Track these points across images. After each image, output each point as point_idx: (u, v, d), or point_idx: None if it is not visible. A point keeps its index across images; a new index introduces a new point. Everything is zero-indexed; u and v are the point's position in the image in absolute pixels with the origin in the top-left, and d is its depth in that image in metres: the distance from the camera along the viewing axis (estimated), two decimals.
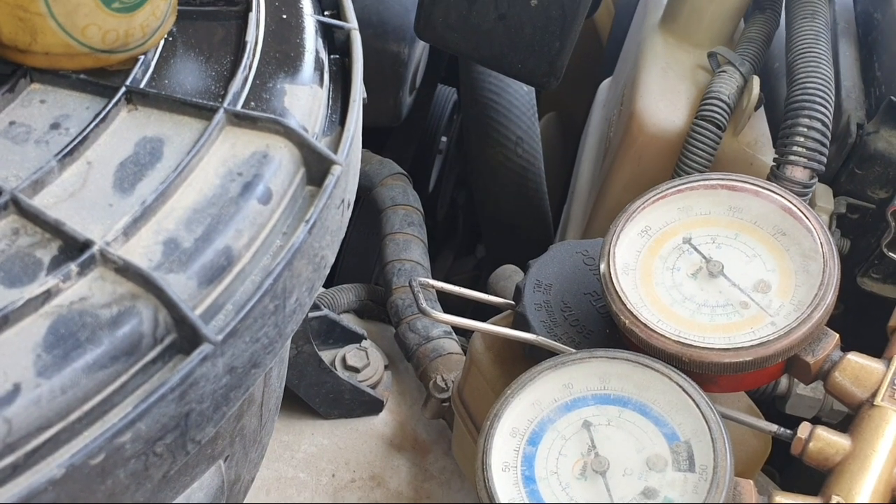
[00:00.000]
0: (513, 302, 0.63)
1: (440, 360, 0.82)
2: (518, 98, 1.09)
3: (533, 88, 1.12)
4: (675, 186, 0.57)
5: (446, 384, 0.79)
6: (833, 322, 0.54)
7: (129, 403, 0.35)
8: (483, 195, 1.14)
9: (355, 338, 0.86)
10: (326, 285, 0.94)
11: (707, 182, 0.57)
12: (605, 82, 1.08)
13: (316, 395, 0.80)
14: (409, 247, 0.91)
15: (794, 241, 0.55)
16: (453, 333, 0.86)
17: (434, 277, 0.81)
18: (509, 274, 0.87)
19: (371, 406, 0.83)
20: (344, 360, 0.84)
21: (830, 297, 0.52)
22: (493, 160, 1.09)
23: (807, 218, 0.54)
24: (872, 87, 0.79)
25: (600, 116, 1.04)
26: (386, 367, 0.86)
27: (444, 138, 1.33)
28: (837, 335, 0.54)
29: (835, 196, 0.74)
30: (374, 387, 0.84)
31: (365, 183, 0.94)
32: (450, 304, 0.81)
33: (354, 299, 0.94)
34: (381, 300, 0.93)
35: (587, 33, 1.27)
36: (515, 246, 1.13)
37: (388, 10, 1.04)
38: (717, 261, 0.55)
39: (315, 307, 0.83)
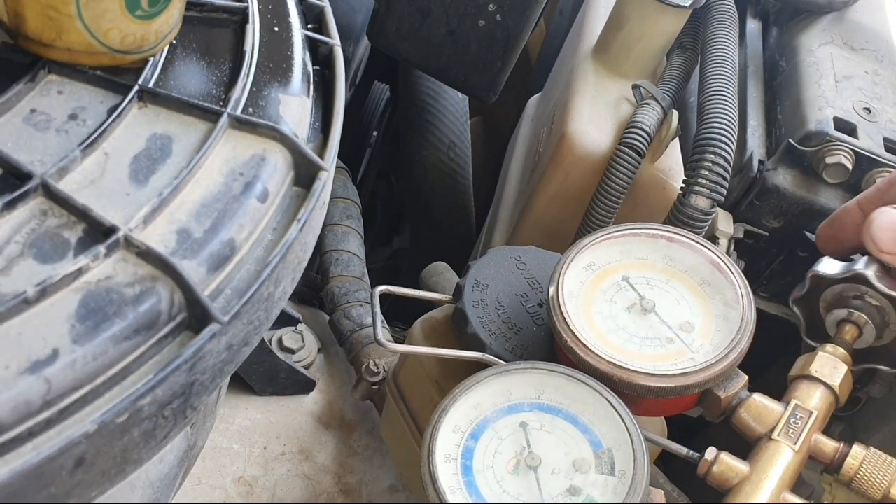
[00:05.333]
0: (451, 297, 0.70)
1: (371, 346, 0.88)
2: (453, 104, 1.16)
3: (466, 97, 1.19)
4: (620, 231, 0.65)
5: (378, 368, 0.85)
6: None
7: (147, 371, 0.40)
8: (413, 193, 1.20)
9: (291, 321, 0.91)
10: None
11: (649, 231, 0.65)
12: (534, 98, 1.16)
13: (254, 373, 0.85)
14: (346, 238, 0.97)
15: (719, 291, 0.62)
16: (385, 324, 0.92)
17: None
18: (441, 271, 0.94)
19: (303, 385, 0.88)
20: (280, 341, 0.89)
21: (745, 342, 0.59)
22: (426, 161, 1.15)
23: (732, 273, 0.62)
24: (774, 128, 0.89)
25: (529, 130, 1.12)
26: (319, 350, 0.92)
27: (374, 133, 1.39)
28: (747, 377, 0.61)
29: (734, 222, 0.84)
30: (307, 368, 0.89)
31: None
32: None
33: None
34: (316, 287, 0.98)
35: None
36: (440, 241, 1.20)
37: (336, 10, 1.09)
38: (650, 300, 0.62)
39: None
